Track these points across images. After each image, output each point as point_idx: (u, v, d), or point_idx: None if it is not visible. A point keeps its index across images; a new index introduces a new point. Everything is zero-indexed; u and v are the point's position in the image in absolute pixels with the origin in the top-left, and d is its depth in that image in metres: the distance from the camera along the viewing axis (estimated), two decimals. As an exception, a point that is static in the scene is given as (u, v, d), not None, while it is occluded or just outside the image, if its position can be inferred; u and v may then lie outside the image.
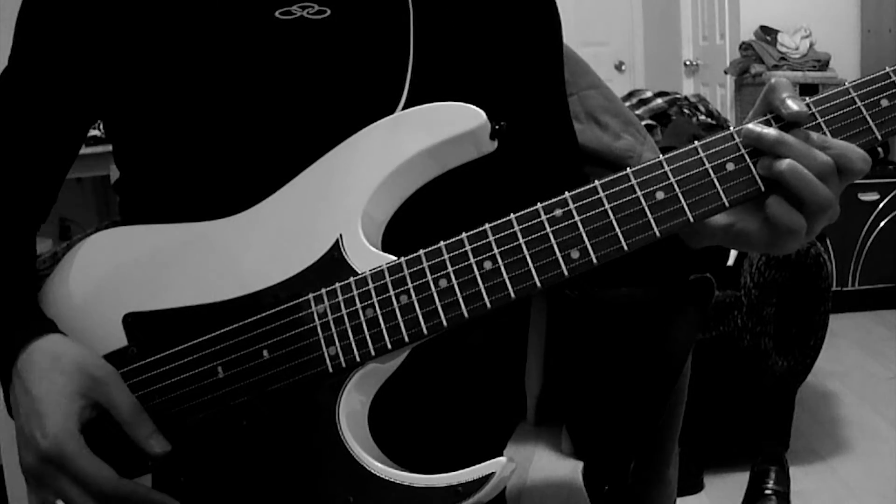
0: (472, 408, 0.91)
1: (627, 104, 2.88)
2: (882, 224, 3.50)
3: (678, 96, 3.10)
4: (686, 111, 3.03)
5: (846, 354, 3.06)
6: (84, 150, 0.94)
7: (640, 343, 1.01)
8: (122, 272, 0.83)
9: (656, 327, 1.01)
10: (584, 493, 0.95)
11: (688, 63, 4.84)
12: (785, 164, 0.67)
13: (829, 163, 0.67)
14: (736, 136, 0.70)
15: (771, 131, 0.68)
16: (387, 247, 0.77)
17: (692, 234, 0.76)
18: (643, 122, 2.66)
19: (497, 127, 0.76)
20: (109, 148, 0.92)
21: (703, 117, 3.03)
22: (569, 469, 0.96)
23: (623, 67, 5.22)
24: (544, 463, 0.97)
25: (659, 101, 3.02)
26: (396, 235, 0.78)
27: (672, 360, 1.02)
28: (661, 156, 0.71)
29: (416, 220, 0.79)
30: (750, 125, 0.69)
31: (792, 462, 2.20)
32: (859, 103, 0.69)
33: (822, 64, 3.81)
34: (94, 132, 2.78)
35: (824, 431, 2.52)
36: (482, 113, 0.75)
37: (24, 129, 0.88)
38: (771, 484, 2.09)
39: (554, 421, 1.02)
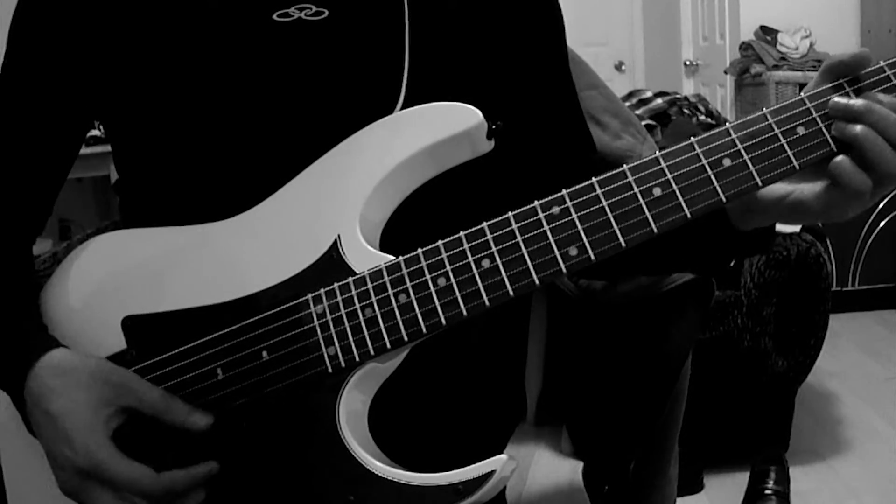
0: (472, 408, 0.91)
1: (627, 104, 2.87)
2: (882, 224, 3.50)
3: (678, 96, 3.10)
4: (686, 111, 3.02)
5: (846, 354, 3.06)
6: (84, 150, 0.94)
7: (639, 343, 1.01)
8: (120, 275, 0.83)
9: (656, 328, 1.01)
10: (584, 493, 0.95)
11: (688, 63, 4.83)
12: (859, 128, 0.68)
13: None
14: (732, 131, 0.70)
15: (857, 102, 0.69)
16: (385, 246, 0.77)
17: (744, 214, 0.77)
18: (643, 122, 2.66)
19: (494, 126, 0.76)
20: (109, 148, 0.92)
21: (703, 117, 3.03)
22: (569, 469, 0.96)
23: (623, 67, 5.22)
24: (544, 463, 0.97)
25: (659, 101, 3.02)
26: (395, 235, 0.78)
27: (672, 360, 1.03)
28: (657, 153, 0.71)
29: (415, 220, 0.79)
30: (835, 98, 0.69)
31: (792, 462, 2.20)
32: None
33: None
34: (94, 132, 2.77)
35: (824, 431, 2.52)
36: (479, 112, 0.76)
37: (19, 137, 0.88)
38: (771, 484, 2.09)
39: (554, 421, 1.02)
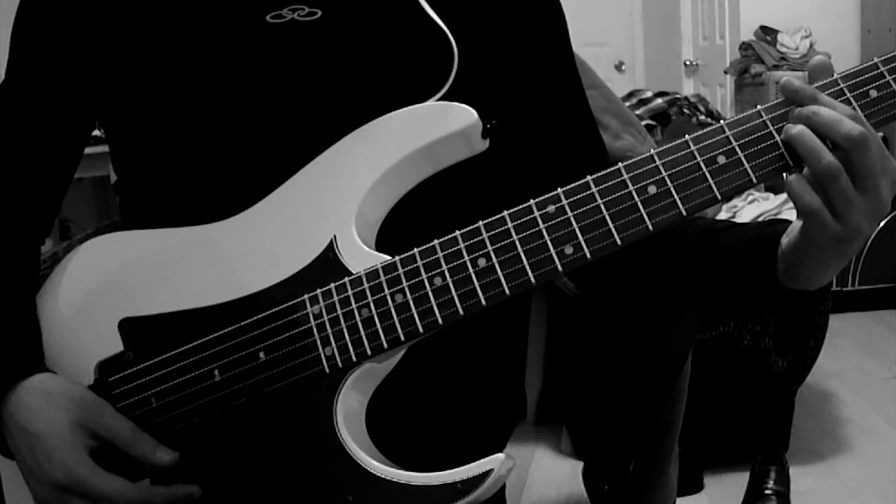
0: (472, 408, 0.91)
1: (627, 104, 2.88)
2: (882, 224, 3.50)
3: (678, 96, 3.10)
4: (686, 111, 3.02)
5: (846, 354, 3.05)
6: (84, 150, 0.94)
7: (639, 343, 1.01)
8: (117, 277, 0.83)
9: (656, 327, 1.01)
10: (584, 493, 0.95)
11: (688, 63, 4.84)
12: (797, 128, 0.67)
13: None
14: (726, 129, 0.70)
15: (809, 87, 0.68)
16: (381, 246, 0.77)
17: (789, 274, 0.74)
18: (643, 122, 2.66)
19: (489, 126, 0.76)
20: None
21: (703, 117, 3.03)
22: (569, 469, 0.97)
23: (623, 67, 5.23)
24: (544, 463, 0.97)
25: (659, 101, 3.02)
26: (391, 235, 0.78)
27: (672, 360, 1.02)
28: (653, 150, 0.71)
29: (410, 220, 0.79)
30: (788, 78, 0.69)
31: (792, 462, 2.19)
32: (848, 94, 0.69)
33: (822, 64, 3.79)
34: (93, 132, 2.76)
35: (824, 431, 2.51)
36: (473, 112, 0.76)
37: (24, 141, 0.88)
38: (771, 484, 2.08)
39: (554, 421, 1.02)
